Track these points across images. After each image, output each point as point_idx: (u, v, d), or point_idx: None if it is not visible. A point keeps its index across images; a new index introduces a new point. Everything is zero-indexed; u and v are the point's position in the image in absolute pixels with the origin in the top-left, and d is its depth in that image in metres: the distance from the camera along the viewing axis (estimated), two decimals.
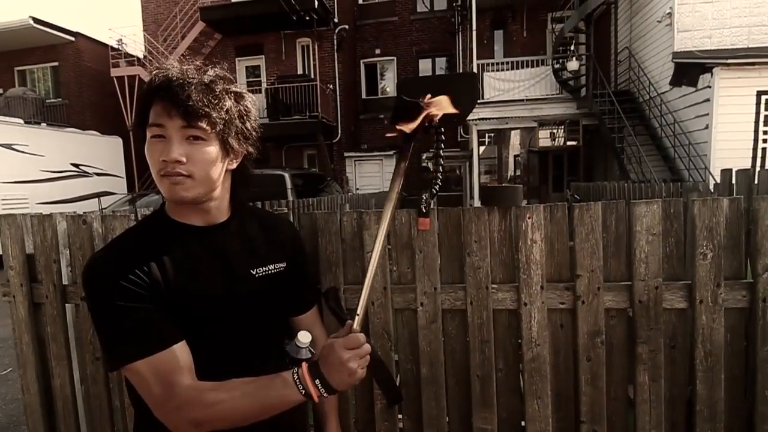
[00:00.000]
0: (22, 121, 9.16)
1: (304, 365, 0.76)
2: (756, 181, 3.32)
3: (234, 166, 0.87)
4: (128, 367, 0.75)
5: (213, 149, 0.80)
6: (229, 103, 0.81)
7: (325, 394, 0.74)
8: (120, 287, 0.75)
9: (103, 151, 10.86)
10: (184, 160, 0.76)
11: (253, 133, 0.87)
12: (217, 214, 0.88)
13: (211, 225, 0.87)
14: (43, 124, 10.29)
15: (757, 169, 6.63)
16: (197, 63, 0.83)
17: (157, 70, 0.80)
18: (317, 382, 0.73)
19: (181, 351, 0.77)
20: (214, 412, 0.73)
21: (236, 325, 0.86)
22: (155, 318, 0.76)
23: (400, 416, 1.35)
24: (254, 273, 0.89)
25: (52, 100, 13.00)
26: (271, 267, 0.92)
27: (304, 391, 0.73)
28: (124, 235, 0.86)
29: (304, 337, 0.85)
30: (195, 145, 0.78)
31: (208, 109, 0.77)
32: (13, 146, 8.38)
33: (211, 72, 0.81)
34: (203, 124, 0.77)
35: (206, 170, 0.79)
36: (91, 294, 0.77)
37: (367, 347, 0.78)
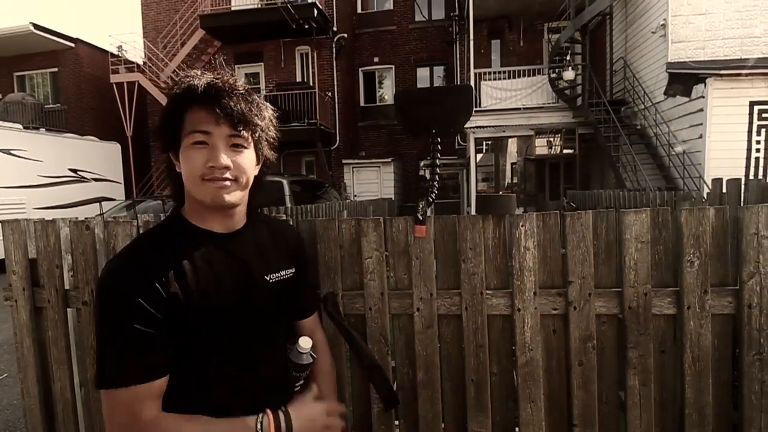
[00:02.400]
0: (20, 126, 9.18)
1: (270, 415, 0.78)
2: (745, 191, 3.37)
3: (257, 172, 0.91)
4: (106, 391, 0.75)
5: (252, 156, 0.84)
6: (267, 112, 0.86)
7: None
8: (135, 305, 0.73)
9: (101, 157, 10.88)
10: (232, 166, 0.80)
11: (276, 141, 0.92)
12: (238, 220, 0.90)
13: (231, 231, 0.88)
14: (42, 130, 10.30)
15: (750, 178, 6.71)
16: (224, 72, 0.84)
17: (187, 77, 0.81)
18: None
19: (160, 383, 0.76)
20: None
21: (250, 330, 0.87)
22: (153, 348, 0.75)
23: (396, 421, 1.37)
24: (268, 279, 0.91)
25: (51, 106, 13.01)
26: (283, 273, 0.94)
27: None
28: (143, 239, 0.85)
29: (305, 343, 0.87)
30: (238, 151, 0.81)
31: (256, 119, 0.81)
32: (11, 151, 8.39)
33: (240, 82, 0.84)
34: (246, 133, 0.81)
35: (247, 176, 0.83)
36: (101, 306, 0.76)
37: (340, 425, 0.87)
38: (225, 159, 0.78)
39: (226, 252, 0.86)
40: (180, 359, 0.78)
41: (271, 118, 0.89)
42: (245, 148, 0.82)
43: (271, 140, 0.89)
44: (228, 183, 0.80)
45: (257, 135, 0.83)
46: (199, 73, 0.82)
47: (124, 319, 0.73)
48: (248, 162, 0.83)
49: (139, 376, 0.74)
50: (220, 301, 0.82)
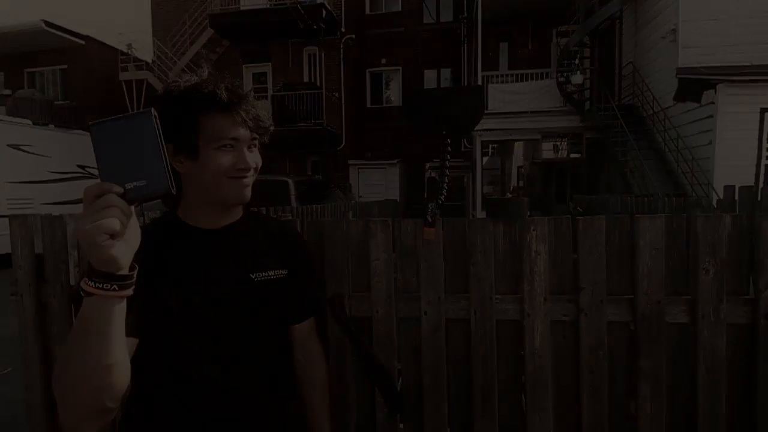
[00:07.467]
0: (30, 122, 9.25)
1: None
2: (759, 198, 3.33)
3: None
4: None
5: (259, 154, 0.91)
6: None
7: (90, 283, 0.57)
8: None
9: None
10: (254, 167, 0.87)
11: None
12: (234, 215, 0.93)
13: (220, 227, 0.90)
14: (51, 126, 10.36)
15: (761, 185, 6.63)
16: (229, 77, 0.88)
17: (189, 82, 0.84)
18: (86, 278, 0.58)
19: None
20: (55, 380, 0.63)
21: (230, 326, 0.86)
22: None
23: (401, 425, 1.35)
24: (253, 277, 0.90)
25: (60, 102, 13.13)
26: (272, 273, 0.93)
27: (82, 291, 0.59)
28: None
29: None
30: (253, 151, 0.88)
31: (268, 122, 0.88)
32: (20, 147, 8.46)
33: (238, 82, 0.88)
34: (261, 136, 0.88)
35: (257, 173, 0.90)
36: None
37: (101, 191, 0.56)
38: (251, 161, 0.86)
39: (210, 246, 0.88)
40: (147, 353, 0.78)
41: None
42: (256, 146, 0.89)
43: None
44: (249, 180, 0.87)
45: (264, 137, 0.90)
46: (198, 76, 0.85)
47: None
48: (259, 158, 0.89)
49: None
50: (195, 293, 0.83)
